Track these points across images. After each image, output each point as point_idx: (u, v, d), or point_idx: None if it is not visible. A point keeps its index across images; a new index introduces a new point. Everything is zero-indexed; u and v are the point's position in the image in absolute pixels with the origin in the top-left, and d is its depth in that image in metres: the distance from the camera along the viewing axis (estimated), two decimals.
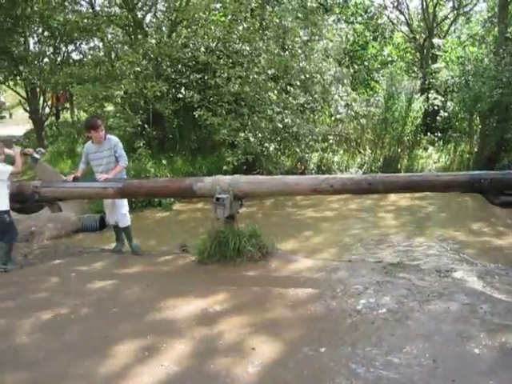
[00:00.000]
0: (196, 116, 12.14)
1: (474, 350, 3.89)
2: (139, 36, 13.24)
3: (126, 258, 7.03)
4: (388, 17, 25.39)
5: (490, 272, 6.01)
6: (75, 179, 6.96)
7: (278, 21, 13.07)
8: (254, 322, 4.61)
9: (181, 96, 12.65)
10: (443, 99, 17.02)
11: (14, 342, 4.42)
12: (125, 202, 7.10)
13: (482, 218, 10.12)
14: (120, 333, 4.53)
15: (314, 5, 15.26)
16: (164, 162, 12.29)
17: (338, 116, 15.43)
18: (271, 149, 13.09)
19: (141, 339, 4.36)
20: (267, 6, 14.29)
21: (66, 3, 14.76)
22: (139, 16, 14.05)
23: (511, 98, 13.86)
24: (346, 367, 3.78)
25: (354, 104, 15.18)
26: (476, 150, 15.25)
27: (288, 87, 13.80)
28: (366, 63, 22.86)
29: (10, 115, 25.13)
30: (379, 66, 22.99)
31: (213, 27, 12.78)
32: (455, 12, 24.64)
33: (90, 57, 15.61)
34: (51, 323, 4.80)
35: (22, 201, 6.86)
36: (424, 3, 23.65)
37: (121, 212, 7.05)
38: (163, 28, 13.90)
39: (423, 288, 5.28)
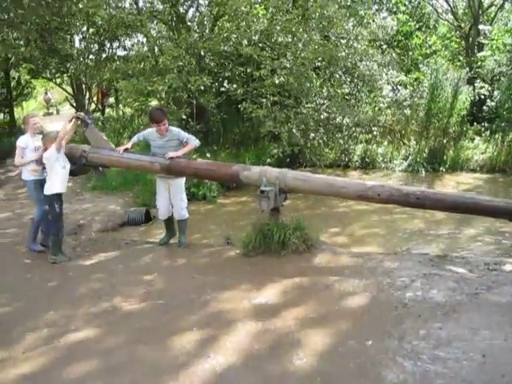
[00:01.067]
0: (241, 109, 12.13)
1: None
2: (182, 31, 13.28)
3: (172, 251, 7.11)
4: (432, 5, 24.90)
5: None
6: (125, 151, 7.09)
7: (320, 11, 12.93)
8: (300, 315, 4.61)
9: (224, 89, 12.67)
10: (490, 88, 16.59)
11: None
12: (184, 195, 7.20)
13: None
14: (169, 325, 4.61)
15: None
16: (208, 155, 12.34)
17: (382, 106, 15.24)
18: (315, 140, 13.00)
19: (191, 332, 4.45)
20: None
21: (110, 0, 14.93)
22: (181, 11, 14.12)
23: None
24: (392, 360, 3.75)
25: (400, 88, 14.96)
26: None
27: (332, 77, 13.68)
28: (410, 53, 22.51)
29: (58, 111, 25.56)
30: (424, 56, 22.61)
31: (255, 19, 12.75)
32: None
33: (134, 52, 15.79)
34: (105, 315, 4.91)
35: (70, 163, 6.97)
36: None
37: (180, 205, 7.14)
38: (205, 22, 13.92)
39: (471, 281, 5.19)
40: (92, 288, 5.70)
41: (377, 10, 16.10)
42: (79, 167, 7.28)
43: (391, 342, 3.99)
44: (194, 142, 6.97)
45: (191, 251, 7.02)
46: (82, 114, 7.43)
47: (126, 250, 7.29)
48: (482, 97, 16.42)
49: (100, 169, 7.65)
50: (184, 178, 7.24)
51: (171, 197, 7.13)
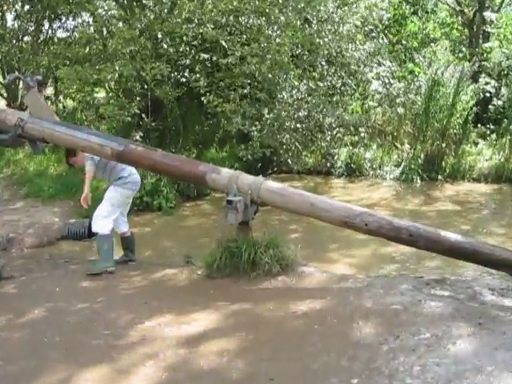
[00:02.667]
0: (204, 102, 12.05)
1: None
2: (136, 10, 13.23)
3: (120, 272, 7.04)
4: None
5: None
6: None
7: None
8: (271, 347, 4.61)
9: (185, 80, 12.64)
10: (497, 85, 16.87)
11: None
12: (105, 203, 7.08)
13: None
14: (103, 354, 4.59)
15: None
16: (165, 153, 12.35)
17: (371, 103, 15.39)
18: (292, 141, 13.03)
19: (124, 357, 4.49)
20: None
21: None
22: None
23: None
24: None
25: (393, 81, 15.14)
26: None
27: (313, 67, 13.75)
28: (404, 42, 22.77)
29: None
30: (420, 45, 22.89)
31: None
32: None
33: (78, 34, 15.66)
34: (29, 344, 4.85)
35: (0, 131, 6.89)
36: None
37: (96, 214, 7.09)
38: (164, 0, 13.88)
39: (474, 309, 5.24)
40: (19, 315, 5.62)
41: None
42: (13, 138, 7.09)
43: (380, 381, 4.00)
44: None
45: (144, 272, 6.98)
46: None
47: (64, 270, 7.22)
48: (488, 94, 16.67)
49: (38, 143, 7.49)
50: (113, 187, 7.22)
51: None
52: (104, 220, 6.97)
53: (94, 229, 7.03)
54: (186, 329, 5.04)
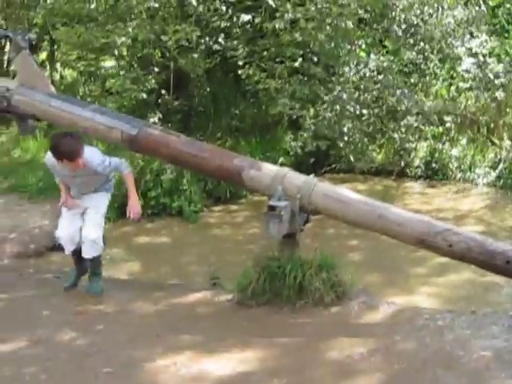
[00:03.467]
0: (243, 77, 12.06)
1: None
2: None
3: (123, 290, 7.10)
4: None
5: None
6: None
7: None
8: None
9: (218, 47, 12.68)
10: None
11: None
12: (99, 218, 6.96)
13: None
14: None
15: None
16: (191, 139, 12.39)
17: (461, 85, 15.28)
18: (355, 132, 13.00)
19: None
20: None
21: None
22: None
23: None
24: None
25: (490, 60, 15.01)
26: None
27: (386, 38, 13.71)
28: (508, 5, 22.56)
29: None
30: None
31: None
32: None
33: None
34: None
35: None
36: None
37: (90, 235, 6.79)
38: None
39: None
40: None
41: None
42: None
43: None
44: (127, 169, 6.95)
45: (157, 295, 7.01)
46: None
47: (53, 288, 7.28)
48: None
49: (27, 121, 7.54)
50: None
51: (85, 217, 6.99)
52: (102, 239, 6.93)
53: (95, 254, 6.87)
54: (209, 371, 5.03)
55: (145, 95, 11.88)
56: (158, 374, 4.98)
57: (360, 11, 12.71)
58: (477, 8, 15.20)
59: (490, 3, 20.80)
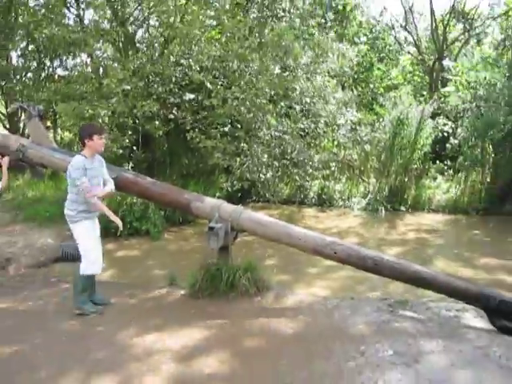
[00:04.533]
0: (188, 138, 12.10)
1: None
2: (130, 52, 13.28)
3: (109, 291, 6.95)
4: (395, 37, 25.72)
5: None
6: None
7: (277, 40, 13.10)
8: (247, 362, 4.56)
9: (173, 117, 12.66)
10: (453, 125, 17.08)
11: None
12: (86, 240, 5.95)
13: (491, 254, 10.12)
14: (97, 367, 4.54)
15: (314, 23, 15.37)
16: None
17: (341, 141, 15.54)
18: (269, 176, 13.06)
19: (117, 373, 4.44)
20: (267, 24, 14.42)
21: (53, 16, 14.79)
22: (130, 31, 14.11)
23: None
24: None
25: (359, 128, 15.33)
26: (488, 180, 15.28)
27: (288, 110, 13.87)
28: (371, 86, 23.07)
29: None
30: (385, 90, 23.20)
31: (208, 45, 12.83)
32: (466, 34, 24.98)
33: (76, 73, 15.65)
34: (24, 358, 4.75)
35: (3, 154, 6.75)
36: (433, 24, 23.98)
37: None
38: (155, 45, 13.94)
39: (433, 328, 5.25)
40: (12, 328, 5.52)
41: (334, 40, 16.37)
42: (14, 161, 6.97)
43: None
44: (112, 185, 6.14)
45: (131, 292, 6.89)
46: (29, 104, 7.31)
47: (57, 288, 7.13)
48: (446, 134, 16.88)
49: (38, 168, 7.44)
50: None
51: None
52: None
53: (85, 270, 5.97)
54: (169, 345, 4.97)
55: (121, 150, 11.78)
56: (132, 349, 4.91)
57: (270, 92, 12.82)
58: (350, 93, 15.51)
59: (360, 84, 21.38)
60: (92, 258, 5.87)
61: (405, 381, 4.12)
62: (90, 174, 5.82)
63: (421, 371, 4.28)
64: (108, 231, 10.92)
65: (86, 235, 5.89)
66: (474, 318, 5.77)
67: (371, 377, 4.21)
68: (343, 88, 16.15)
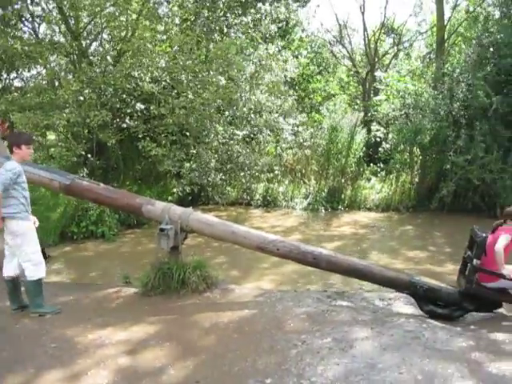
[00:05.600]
0: (140, 147, 12.01)
1: (418, 377, 3.93)
2: (83, 65, 13.05)
3: (65, 290, 6.84)
4: (332, 51, 26.08)
5: None
6: None
7: (221, 53, 13.11)
8: (198, 354, 4.55)
9: (125, 126, 12.53)
10: (385, 131, 17.44)
11: None
12: (30, 247, 5.60)
13: (420, 246, 10.40)
14: (48, 362, 4.46)
15: (258, 37, 15.42)
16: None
17: (284, 146, 15.66)
18: (217, 179, 13.06)
19: (67, 368, 4.38)
20: (213, 38, 14.44)
21: (8, 29, 14.43)
22: (84, 45, 13.90)
23: (449, 130, 14.36)
24: None
25: (301, 129, 15.50)
26: (417, 180, 15.68)
27: (233, 119, 13.91)
28: (310, 96, 23.32)
29: None
30: (323, 99, 23.49)
31: (158, 58, 12.75)
32: (395, 47, 25.56)
33: (32, 84, 15.30)
34: None
35: None
36: (366, 39, 24.46)
37: (26, 262, 5.57)
38: (108, 57, 13.76)
39: (367, 316, 5.34)
40: None
41: (276, 53, 16.47)
42: None
43: (290, 380, 4.00)
44: None
45: (87, 291, 6.77)
46: None
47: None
48: (378, 139, 17.23)
49: None
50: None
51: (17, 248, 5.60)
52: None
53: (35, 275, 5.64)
54: (123, 340, 4.92)
55: (75, 158, 11.60)
56: (84, 345, 4.83)
57: (215, 102, 12.81)
58: (291, 99, 15.62)
59: (300, 93, 21.56)
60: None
61: (342, 365, 4.18)
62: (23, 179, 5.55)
63: (356, 355, 4.35)
64: (65, 235, 10.84)
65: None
66: (405, 306, 5.92)
67: (312, 362, 4.26)
68: (284, 96, 16.26)
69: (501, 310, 5.75)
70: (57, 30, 13.68)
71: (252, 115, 14.27)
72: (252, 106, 14.08)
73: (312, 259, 5.97)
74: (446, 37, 19.29)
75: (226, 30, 15.05)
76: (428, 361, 4.20)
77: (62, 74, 13.90)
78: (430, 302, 5.68)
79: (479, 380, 3.87)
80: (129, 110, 12.82)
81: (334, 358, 4.32)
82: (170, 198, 12.26)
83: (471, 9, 19.94)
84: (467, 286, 5.55)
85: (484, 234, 5.61)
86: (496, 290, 5.57)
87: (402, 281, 5.79)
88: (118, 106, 12.71)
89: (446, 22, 19.33)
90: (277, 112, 14.78)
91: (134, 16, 12.94)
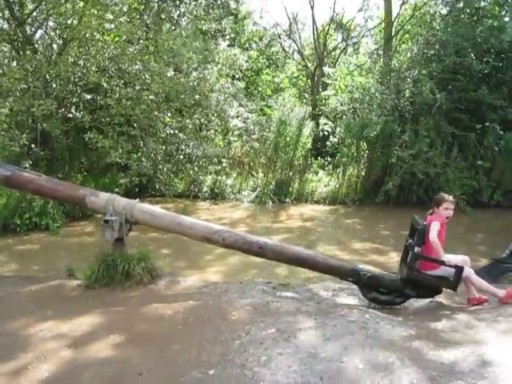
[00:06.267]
0: (87, 139, 11.78)
1: (359, 366, 3.99)
2: (28, 52, 12.71)
3: (6, 282, 6.68)
4: (281, 45, 26.21)
5: None
6: None
7: (168, 44, 12.99)
8: (141, 346, 4.51)
9: (71, 116, 12.27)
10: (333, 125, 17.65)
11: None
12: None
13: (365, 238, 10.60)
14: None
15: (207, 28, 15.38)
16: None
17: (232, 137, 15.69)
18: (164, 171, 12.96)
19: (10, 362, 4.28)
20: (162, 29, 14.31)
21: None
22: (28, 32, 13.52)
23: (394, 125, 14.65)
24: None
25: (250, 115, 15.57)
26: (363, 174, 15.93)
27: (182, 108, 13.82)
28: (259, 89, 23.40)
29: None
30: (273, 92, 23.60)
31: (105, 47, 12.52)
32: (344, 43, 25.88)
33: None
34: None
35: None
36: (315, 33, 24.65)
37: None
38: (54, 45, 13.43)
39: (311, 307, 5.40)
40: None
41: (228, 46, 16.47)
42: None
43: (233, 370, 4.00)
44: None
45: (30, 284, 6.61)
46: None
47: None
48: (326, 133, 17.43)
49: None
50: None
51: None
52: None
53: None
54: (66, 333, 4.83)
55: (19, 149, 11.26)
56: (31, 338, 4.72)
57: (163, 92, 12.70)
58: (239, 84, 15.66)
59: (249, 85, 21.62)
60: None
61: (285, 354, 4.21)
62: None
63: (299, 345, 4.38)
64: (7, 227, 10.56)
65: None
66: (348, 297, 6.02)
67: (255, 353, 4.27)
68: (233, 84, 16.29)
69: (440, 300, 5.91)
70: (0, 16, 13.26)
71: (201, 102, 14.22)
72: (199, 94, 14.03)
73: (258, 249, 6.01)
74: (393, 33, 19.66)
75: (175, 20, 14.93)
76: (370, 350, 4.27)
77: (6, 61, 13.49)
78: (373, 289, 5.82)
79: (419, 367, 3.96)
80: (75, 100, 12.58)
81: (277, 348, 4.34)
82: (116, 189, 12.07)
83: (419, 5, 20.35)
84: (408, 273, 5.73)
85: (424, 223, 5.78)
86: (436, 277, 5.74)
87: (346, 269, 5.93)
88: (63, 95, 12.44)
89: (393, 19, 19.70)
90: (226, 96, 14.78)
91: (81, 3, 12.65)
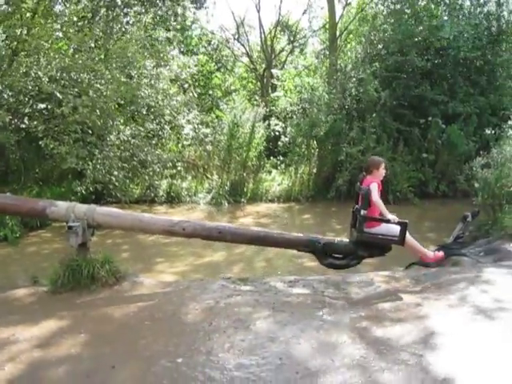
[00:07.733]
0: (42, 146, 11.84)
1: (314, 345, 4.39)
2: None
3: None
4: (230, 48, 26.54)
5: (330, 280, 6.60)
6: None
7: (120, 51, 13.14)
8: (111, 342, 4.75)
9: (24, 126, 12.31)
10: (283, 125, 18.08)
11: None
12: None
13: (320, 233, 10.81)
14: None
15: (159, 35, 15.56)
16: (8, 194, 11.84)
17: (185, 143, 15.91)
18: (120, 177, 13.10)
19: None
20: (112, 37, 14.43)
21: None
22: None
23: (342, 123, 15.19)
24: (201, 373, 4.08)
25: (201, 126, 15.80)
26: (315, 171, 16.42)
27: (135, 115, 14.00)
28: (210, 92, 23.66)
29: None
30: (223, 95, 23.91)
31: (56, 56, 12.59)
32: (291, 44, 26.38)
33: None
34: None
35: None
36: (262, 36, 25.09)
37: None
38: (3, 57, 13.40)
39: (269, 298, 5.74)
40: None
41: (180, 52, 16.72)
42: None
43: (200, 357, 4.32)
44: None
45: None
46: None
47: None
48: (277, 133, 17.84)
49: None
50: None
51: None
52: None
53: None
54: (36, 335, 5.00)
55: None
56: (1, 342, 4.88)
57: (117, 99, 12.87)
58: (190, 94, 15.89)
59: (200, 89, 21.83)
60: None
61: (247, 340, 4.55)
62: None
63: (259, 332, 4.74)
64: None
65: None
66: (303, 287, 6.35)
67: (219, 341, 4.59)
68: (184, 92, 16.51)
69: (387, 286, 6.35)
70: None
71: (153, 109, 14.43)
72: (152, 102, 14.24)
73: (218, 233, 6.46)
74: (338, 34, 20.22)
75: (125, 28, 15.08)
76: (324, 332, 4.67)
77: None
78: (328, 255, 6.38)
79: (367, 344, 4.38)
80: (27, 110, 12.61)
81: (239, 335, 4.68)
82: (73, 198, 12.18)
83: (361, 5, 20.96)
84: (359, 235, 6.37)
85: (367, 187, 6.43)
86: (381, 234, 6.38)
87: (301, 240, 6.59)
88: (15, 106, 12.46)
89: (337, 20, 20.26)
90: (178, 104, 15.02)
91: (29, 14, 12.71)
